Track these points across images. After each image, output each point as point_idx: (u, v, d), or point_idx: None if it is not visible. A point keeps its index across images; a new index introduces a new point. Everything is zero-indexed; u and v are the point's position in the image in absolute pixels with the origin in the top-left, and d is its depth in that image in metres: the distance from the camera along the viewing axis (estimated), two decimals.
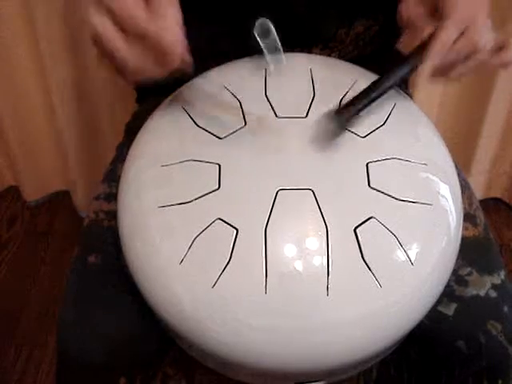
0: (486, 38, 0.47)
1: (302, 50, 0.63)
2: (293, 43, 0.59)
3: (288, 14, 0.59)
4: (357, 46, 0.65)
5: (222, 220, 0.42)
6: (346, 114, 0.46)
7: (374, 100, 0.48)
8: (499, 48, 0.49)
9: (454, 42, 0.47)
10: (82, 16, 0.42)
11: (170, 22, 0.42)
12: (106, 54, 0.42)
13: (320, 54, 0.64)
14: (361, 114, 0.47)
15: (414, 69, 0.49)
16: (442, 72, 0.49)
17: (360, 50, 0.65)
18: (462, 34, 0.47)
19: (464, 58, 0.48)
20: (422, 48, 0.48)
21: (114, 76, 0.45)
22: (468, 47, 0.47)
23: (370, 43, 0.65)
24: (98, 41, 0.41)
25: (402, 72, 0.49)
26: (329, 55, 0.64)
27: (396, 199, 0.44)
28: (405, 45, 0.69)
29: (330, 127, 0.46)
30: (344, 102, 0.49)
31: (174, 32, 0.42)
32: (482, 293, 0.53)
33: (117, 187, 0.50)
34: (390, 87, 0.49)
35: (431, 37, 0.47)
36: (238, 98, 0.50)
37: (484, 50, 0.47)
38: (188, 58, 0.43)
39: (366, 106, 0.47)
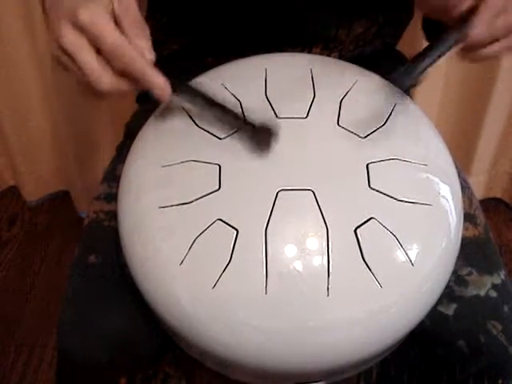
0: None
1: (302, 50, 0.63)
2: (293, 43, 0.59)
3: (288, 14, 0.59)
4: (357, 47, 0.65)
5: (222, 221, 0.42)
6: (406, 76, 0.48)
7: (430, 64, 0.48)
8: None
9: (495, 18, 0.46)
10: (49, 34, 0.41)
11: (144, 44, 0.42)
12: (76, 74, 0.41)
13: (320, 54, 0.64)
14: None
15: (456, 42, 0.48)
16: (477, 49, 0.48)
17: (360, 50, 0.65)
18: (499, 13, 0.46)
19: (500, 37, 0.47)
20: (462, 22, 0.47)
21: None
22: (507, 27, 0.46)
23: (369, 43, 0.65)
24: (65, 59, 0.41)
25: (449, 41, 0.48)
26: (329, 55, 0.64)
27: (396, 200, 0.44)
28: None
29: (391, 91, 0.48)
30: (344, 101, 0.49)
31: (148, 54, 0.42)
32: (483, 293, 0.53)
33: (117, 187, 0.50)
34: (442, 54, 0.48)
35: (470, 11, 0.46)
36: (239, 98, 0.50)
37: None
38: (163, 83, 0.43)
39: (424, 68, 0.48)
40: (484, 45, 0.48)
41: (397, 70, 0.48)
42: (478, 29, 0.46)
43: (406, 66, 0.48)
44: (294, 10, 0.59)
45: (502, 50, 0.48)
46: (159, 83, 0.42)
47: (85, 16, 0.39)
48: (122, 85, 0.42)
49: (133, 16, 0.41)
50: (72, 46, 0.40)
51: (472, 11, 0.46)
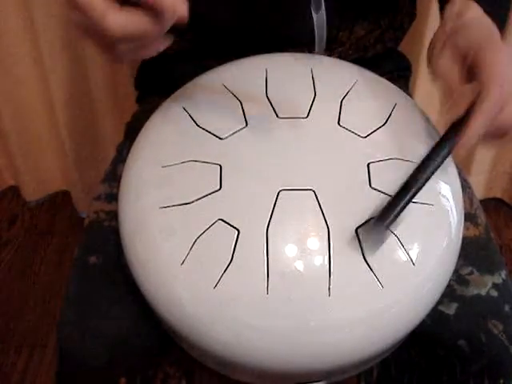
0: None
1: (302, 52, 0.63)
2: (293, 44, 0.59)
3: (289, 15, 0.59)
4: (357, 50, 0.64)
5: (223, 221, 0.42)
6: (389, 217, 0.41)
7: (414, 195, 0.42)
8: None
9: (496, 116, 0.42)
10: None
11: None
12: (88, 29, 0.37)
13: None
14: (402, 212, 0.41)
15: (452, 149, 0.44)
16: (486, 140, 0.45)
17: (361, 53, 0.65)
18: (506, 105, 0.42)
19: (494, 136, 0.44)
20: (460, 124, 0.43)
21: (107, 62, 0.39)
22: (498, 130, 0.43)
23: (371, 47, 0.65)
24: (76, 15, 0.36)
25: (441, 157, 0.44)
26: (329, 56, 0.64)
27: None
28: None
29: (373, 234, 0.41)
30: (344, 101, 0.49)
31: None
32: (483, 292, 0.53)
33: (117, 187, 0.50)
34: (431, 175, 0.43)
35: (469, 112, 0.43)
36: (239, 98, 0.50)
37: None
38: (184, 8, 0.37)
39: (407, 203, 0.41)
40: (490, 138, 0.45)
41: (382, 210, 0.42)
42: (469, 138, 0.43)
43: (392, 198, 0.42)
44: (295, 10, 0.59)
45: (497, 144, 0.46)
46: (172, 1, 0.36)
47: None
48: (137, 21, 0.36)
49: None
50: None
51: (468, 114, 0.43)
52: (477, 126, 0.42)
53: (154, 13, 0.36)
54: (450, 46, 0.46)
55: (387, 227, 0.41)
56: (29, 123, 1.18)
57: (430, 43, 0.50)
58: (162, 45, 0.40)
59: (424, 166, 0.43)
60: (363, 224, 0.42)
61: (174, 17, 0.36)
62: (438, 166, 0.43)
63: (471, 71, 0.45)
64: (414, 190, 0.42)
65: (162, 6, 0.35)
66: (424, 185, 0.42)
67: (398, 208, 0.41)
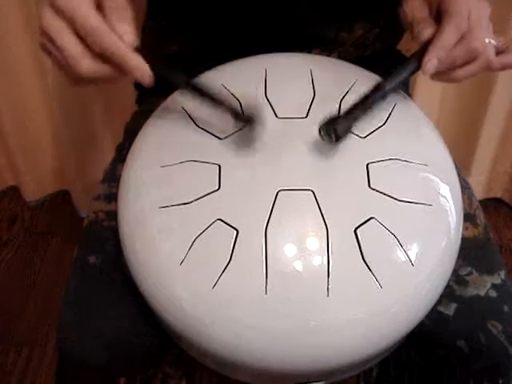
0: (486, 42, 0.47)
1: (301, 52, 0.63)
2: (293, 45, 0.59)
3: (289, 16, 0.59)
4: (357, 49, 0.64)
5: (222, 221, 0.42)
6: (344, 122, 0.46)
7: (372, 106, 0.48)
8: (500, 52, 0.49)
9: (454, 46, 0.46)
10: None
11: (125, 28, 0.42)
12: (56, 58, 0.42)
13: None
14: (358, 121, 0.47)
15: (412, 72, 0.49)
16: (442, 75, 0.49)
17: (360, 52, 0.65)
18: (463, 37, 0.46)
19: (466, 61, 0.48)
20: (421, 52, 0.48)
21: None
22: (469, 51, 0.47)
23: (370, 46, 0.65)
24: (47, 44, 0.41)
25: (401, 76, 0.49)
26: (328, 56, 0.64)
27: (396, 200, 0.44)
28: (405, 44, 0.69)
29: (328, 136, 0.45)
30: (344, 104, 0.49)
31: (128, 37, 0.42)
32: (483, 293, 0.53)
33: (117, 187, 0.50)
34: (389, 91, 0.48)
35: (430, 41, 0.47)
36: (238, 98, 0.50)
37: (485, 54, 0.47)
38: (149, 73, 0.42)
39: (364, 112, 0.47)
40: (449, 70, 0.48)
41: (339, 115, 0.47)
42: (431, 59, 0.46)
43: (358, 98, 0.47)
44: (294, 12, 0.59)
45: (473, 72, 0.48)
46: (137, 65, 0.42)
47: (62, 0, 0.40)
48: (102, 69, 0.42)
49: (114, 0, 0.42)
50: (51, 28, 0.41)
51: (430, 41, 0.47)
52: (446, 36, 0.46)
53: (123, 72, 0.42)
54: None
55: (355, 119, 0.46)
56: (29, 123, 1.18)
57: None
58: (124, 82, 0.45)
59: (393, 76, 0.48)
60: (362, 224, 0.42)
61: (139, 80, 0.43)
62: (399, 83, 0.49)
63: (438, 19, 0.48)
64: (383, 90, 0.47)
65: (130, 71, 0.42)
66: (384, 97, 0.48)
67: (367, 103, 0.47)
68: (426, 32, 0.48)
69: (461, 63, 0.48)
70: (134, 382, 0.54)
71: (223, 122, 0.48)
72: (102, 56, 0.41)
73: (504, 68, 0.50)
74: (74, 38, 0.41)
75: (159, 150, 0.48)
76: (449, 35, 0.46)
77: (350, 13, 0.61)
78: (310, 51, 0.63)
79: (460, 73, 0.48)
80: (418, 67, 0.48)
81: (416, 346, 0.54)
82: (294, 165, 0.45)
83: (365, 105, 0.47)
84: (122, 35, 0.41)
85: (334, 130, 0.45)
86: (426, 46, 0.48)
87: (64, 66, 0.42)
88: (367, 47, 0.65)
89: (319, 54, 0.64)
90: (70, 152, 1.18)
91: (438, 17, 0.49)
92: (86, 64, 0.41)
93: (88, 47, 0.41)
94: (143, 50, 0.43)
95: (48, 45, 0.42)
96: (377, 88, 0.48)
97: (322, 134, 0.45)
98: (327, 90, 0.51)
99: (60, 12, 0.40)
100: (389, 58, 0.70)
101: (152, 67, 0.43)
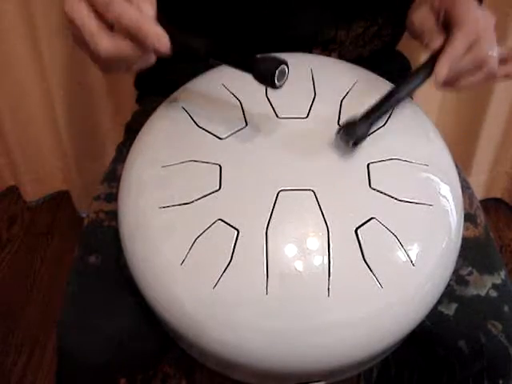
0: (493, 51, 0.48)
1: (302, 51, 0.63)
2: (292, 45, 0.59)
3: (288, 16, 0.59)
4: (356, 47, 0.64)
5: (222, 221, 0.42)
6: (363, 128, 0.46)
7: (386, 112, 0.49)
8: (503, 60, 0.50)
9: (463, 54, 0.47)
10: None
11: (147, 7, 0.42)
12: (81, 43, 0.42)
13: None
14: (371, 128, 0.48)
15: (423, 81, 0.50)
16: (452, 83, 0.50)
17: (359, 50, 0.65)
18: (471, 46, 0.47)
19: (472, 71, 0.49)
20: (432, 60, 0.49)
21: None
22: (476, 60, 0.48)
23: (369, 44, 0.65)
24: (73, 29, 0.42)
25: (413, 83, 0.50)
26: (328, 56, 0.64)
27: (397, 200, 0.44)
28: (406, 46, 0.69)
29: (342, 143, 0.46)
30: (344, 101, 0.49)
31: (150, 14, 0.42)
32: (483, 293, 0.53)
33: (117, 187, 0.50)
34: (403, 98, 0.50)
35: (440, 50, 0.48)
36: (239, 98, 0.50)
37: (492, 62, 0.48)
38: (166, 39, 0.42)
39: (379, 118, 0.48)
40: (456, 78, 0.49)
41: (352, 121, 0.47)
42: (443, 68, 0.47)
43: (374, 104, 0.48)
44: (293, 11, 0.59)
45: (478, 81, 0.50)
46: (156, 32, 0.42)
47: None
48: (122, 45, 0.42)
49: None
50: (72, 10, 0.41)
51: (441, 50, 0.48)
52: (456, 45, 0.47)
53: (139, 42, 0.42)
54: (426, 3, 0.52)
55: (371, 125, 0.47)
56: (29, 123, 1.18)
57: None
58: (145, 64, 0.45)
59: (406, 83, 0.50)
60: (363, 224, 0.42)
61: (156, 47, 0.42)
62: (411, 91, 0.50)
63: (445, 26, 0.50)
64: (396, 97, 0.49)
65: (145, 39, 0.41)
66: (396, 105, 0.49)
67: (382, 109, 0.48)
68: (437, 42, 0.49)
69: (467, 72, 0.49)
70: (134, 382, 0.54)
71: (224, 121, 0.48)
72: (121, 33, 0.42)
73: (507, 77, 0.51)
74: (93, 14, 0.41)
75: (160, 150, 0.48)
76: (459, 44, 0.47)
77: (348, 12, 0.61)
78: (310, 51, 0.63)
79: (465, 82, 0.50)
80: (429, 75, 0.49)
81: (416, 346, 0.54)
82: (294, 165, 0.45)
83: (380, 111, 0.48)
84: (141, 8, 0.42)
85: (355, 134, 0.45)
86: (436, 54, 0.48)
87: (89, 50, 0.42)
88: (366, 45, 0.65)
89: (319, 53, 0.64)
90: (70, 152, 1.18)
91: (445, 23, 0.50)
92: (106, 40, 0.41)
93: (107, 24, 0.41)
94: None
95: (73, 29, 0.42)
96: (391, 94, 0.49)
97: (339, 137, 0.46)
98: (328, 90, 0.51)
99: None
100: (389, 58, 0.70)
101: (171, 36, 0.42)
